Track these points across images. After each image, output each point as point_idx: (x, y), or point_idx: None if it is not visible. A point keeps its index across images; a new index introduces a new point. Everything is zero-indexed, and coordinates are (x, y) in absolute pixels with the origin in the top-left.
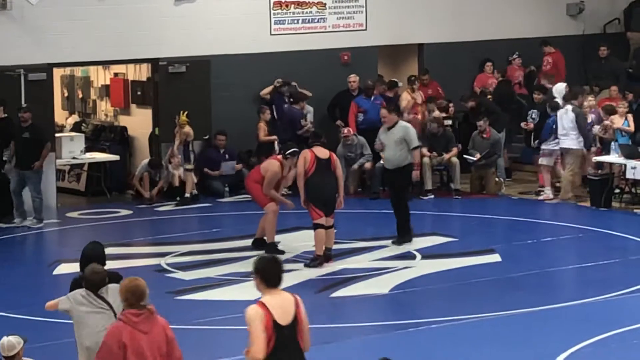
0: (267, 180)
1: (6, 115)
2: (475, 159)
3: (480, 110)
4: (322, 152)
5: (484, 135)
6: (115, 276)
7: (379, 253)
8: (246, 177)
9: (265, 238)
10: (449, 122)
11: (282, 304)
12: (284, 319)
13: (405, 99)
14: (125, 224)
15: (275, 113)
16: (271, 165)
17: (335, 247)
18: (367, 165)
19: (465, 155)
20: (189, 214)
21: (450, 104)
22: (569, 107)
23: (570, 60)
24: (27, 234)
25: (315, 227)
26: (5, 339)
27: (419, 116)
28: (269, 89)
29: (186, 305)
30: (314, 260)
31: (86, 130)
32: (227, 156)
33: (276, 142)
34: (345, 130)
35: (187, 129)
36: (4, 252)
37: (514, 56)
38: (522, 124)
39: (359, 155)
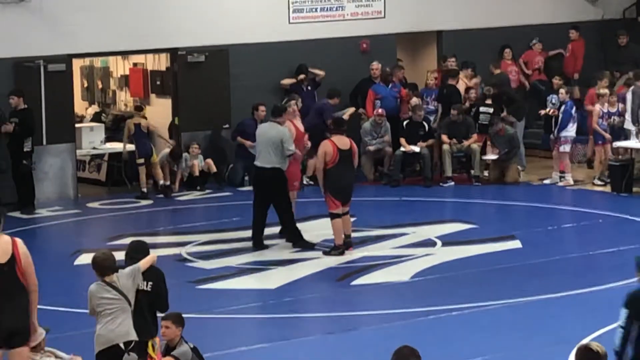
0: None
1: (26, 106)
2: (495, 157)
3: (502, 99)
4: (343, 142)
5: (499, 133)
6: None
7: (399, 240)
8: None
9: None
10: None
11: None
12: (2, 258)
13: (462, 85)
14: (145, 213)
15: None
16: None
17: (355, 235)
18: (387, 149)
19: (484, 157)
20: (209, 203)
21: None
22: (632, 88)
23: (590, 46)
24: (49, 224)
25: (332, 216)
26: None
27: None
28: (291, 80)
29: (207, 295)
30: (335, 249)
31: (106, 121)
32: None
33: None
34: (380, 110)
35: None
36: (26, 243)
37: (534, 41)
38: (543, 112)
39: (380, 137)
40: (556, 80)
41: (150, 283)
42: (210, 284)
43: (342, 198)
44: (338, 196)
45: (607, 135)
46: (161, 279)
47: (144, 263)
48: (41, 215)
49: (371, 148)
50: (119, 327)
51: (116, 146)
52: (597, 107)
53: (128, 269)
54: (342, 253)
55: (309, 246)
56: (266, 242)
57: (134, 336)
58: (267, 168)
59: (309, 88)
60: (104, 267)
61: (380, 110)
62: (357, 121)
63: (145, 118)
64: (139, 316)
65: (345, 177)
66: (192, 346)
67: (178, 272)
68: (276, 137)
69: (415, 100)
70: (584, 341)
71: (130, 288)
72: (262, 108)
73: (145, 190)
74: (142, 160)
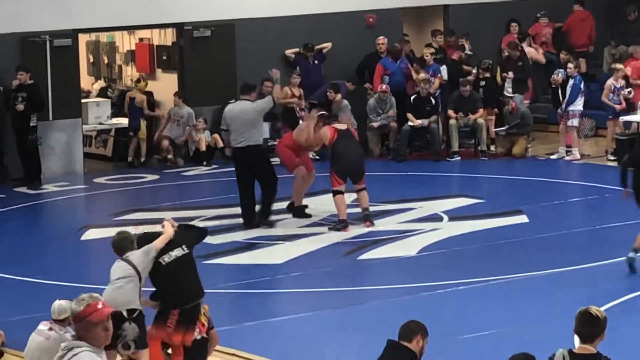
0: (297, 130)
1: (32, 81)
2: (505, 127)
3: (517, 64)
4: (340, 125)
5: (512, 112)
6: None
7: (406, 215)
8: (278, 141)
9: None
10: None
11: None
12: None
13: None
14: (152, 189)
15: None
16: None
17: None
18: (392, 125)
19: (495, 129)
20: (216, 179)
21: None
22: None
23: (597, 21)
24: (55, 199)
25: (335, 193)
26: (56, 302)
27: None
28: (295, 50)
29: (214, 269)
30: (339, 223)
31: (112, 96)
32: None
33: (296, 105)
34: (384, 87)
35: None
36: (33, 218)
37: (539, 15)
38: (552, 78)
39: (385, 113)
40: (563, 55)
41: (184, 246)
42: (217, 259)
43: (344, 176)
44: (341, 174)
45: (618, 106)
46: (190, 235)
47: (160, 242)
48: (48, 191)
49: (375, 125)
50: (122, 297)
51: (122, 121)
52: (610, 81)
53: (144, 247)
54: (345, 227)
55: (270, 224)
56: (273, 217)
57: (136, 305)
58: (251, 146)
59: (316, 62)
60: (117, 247)
61: (384, 87)
62: (363, 97)
63: (142, 92)
64: (191, 280)
65: (351, 155)
66: None
67: None
68: (251, 112)
69: (423, 75)
70: None
71: (146, 263)
72: (267, 83)
73: (130, 160)
74: (131, 133)
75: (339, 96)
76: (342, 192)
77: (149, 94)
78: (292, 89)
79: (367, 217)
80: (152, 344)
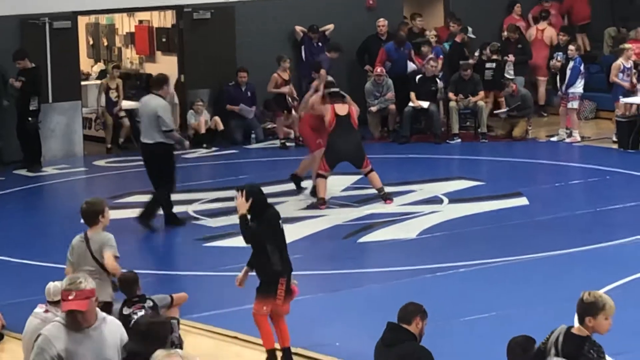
0: (312, 101)
1: (34, 65)
2: (506, 109)
3: (515, 46)
4: (342, 109)
5: (512, 94)
6: None
7: (406, 198)
8: (300, 120)
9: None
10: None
11: None
12: None
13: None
14: None
15: (303, 54)
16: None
17: (361, 192)
18: (391, 107)
19: (496, 112)
20: (216, 161)
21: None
22: None
23: (599, 1)
24: (55, 182)
25: (318, 175)
26: (51, 284)
27: None
28: (303, 28)
29: (214, 252)
30: (317, 200)
31: None
32: (248, 93)
33: (288, 96)
34: (379, 70)
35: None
36: (33, 201)
37: None
38: (551, 63)
39: (382, 96)
40: (561, 37)
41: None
42: (217, 242)
43: (332, 164)
44: (330, 162)
45: (627, 84)
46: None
47: (114, 268)
48: (47, 173)
49: (373, 109)
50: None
51: (122, 104)
52: (619, 61)
53: (107, 237)
54: (322, 204)
55: (150, 227)
56: (278, 199)
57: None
58: (150, 144)
59: (320, 44)
60: (84, 216)
61: (379, 70)
62: (363, 79)
63: (120, 77)
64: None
65: (345, 144)
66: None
67: (185, 230)
68: (153, 111)
69: (431, 55)
70: None
71: (98, 252)
72: (241, 74)
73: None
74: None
75: (322, 71)
76: (325, 177)
77: (149, 77)
78: (281, 75)
79: (385, 196)
80: (261, 319)
